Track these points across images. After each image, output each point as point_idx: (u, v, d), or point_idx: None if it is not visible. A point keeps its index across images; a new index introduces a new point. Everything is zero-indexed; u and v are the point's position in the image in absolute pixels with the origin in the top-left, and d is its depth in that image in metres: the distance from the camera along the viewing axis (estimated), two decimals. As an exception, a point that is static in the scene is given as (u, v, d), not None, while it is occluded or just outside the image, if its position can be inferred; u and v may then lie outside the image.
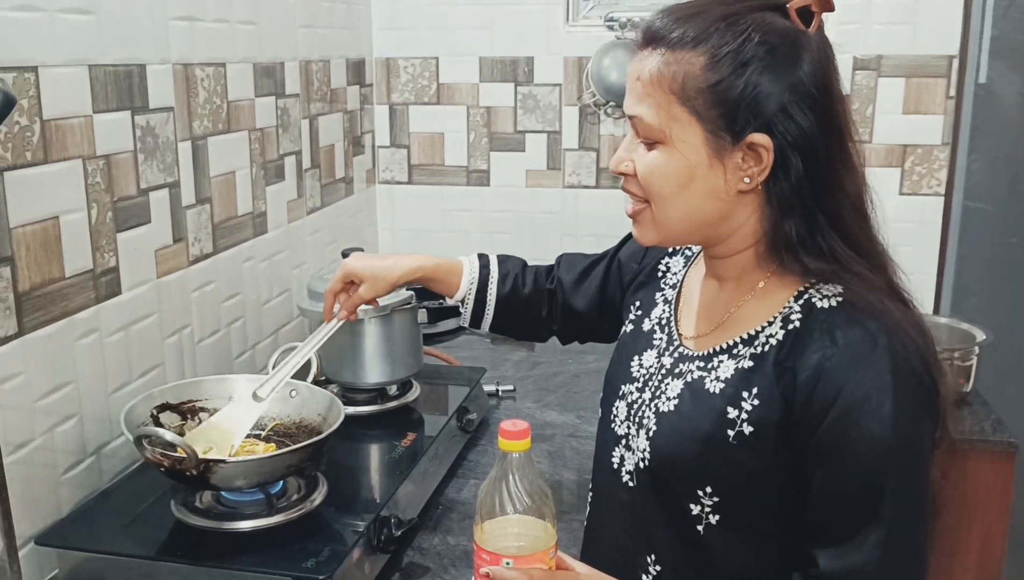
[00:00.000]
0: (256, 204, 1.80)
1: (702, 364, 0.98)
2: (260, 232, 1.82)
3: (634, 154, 0.95)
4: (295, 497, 1.26)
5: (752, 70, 0.87)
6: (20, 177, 1.17)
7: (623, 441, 1.05)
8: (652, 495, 1.00)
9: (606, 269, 1.28)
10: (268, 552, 1.15)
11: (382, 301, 1.57)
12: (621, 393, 1.08)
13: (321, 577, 1.09)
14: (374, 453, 1.53)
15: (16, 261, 1.17)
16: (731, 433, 0.92)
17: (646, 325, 1.10)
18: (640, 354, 1.08)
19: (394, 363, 1.62)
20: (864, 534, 0.86)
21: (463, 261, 1.32)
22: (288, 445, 1.28)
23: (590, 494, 1.15)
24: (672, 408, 0.98)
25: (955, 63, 2.19)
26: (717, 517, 0.94)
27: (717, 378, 0.95)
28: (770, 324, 0.94)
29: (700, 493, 0.94)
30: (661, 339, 1.06)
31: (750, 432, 0.91)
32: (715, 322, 1.00)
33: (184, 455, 1.12)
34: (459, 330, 2.28)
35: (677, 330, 1.05)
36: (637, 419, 1.03)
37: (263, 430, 1.36)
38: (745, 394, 0.92)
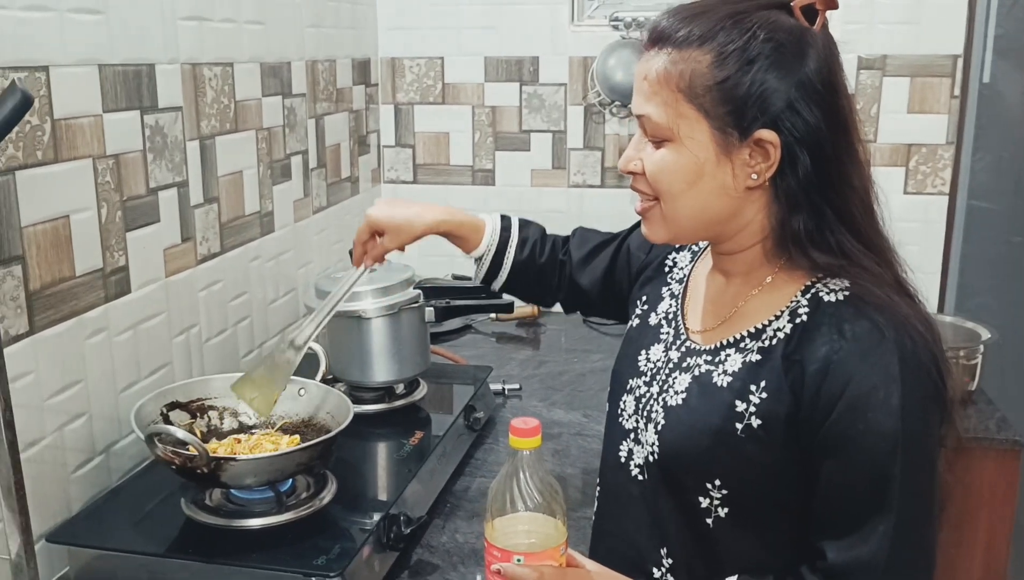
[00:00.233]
0: (263, 203, 1.81)
1: (709, 358, 0.99)
2: (267, 231, 1.83)
3: (642, 153, 0.96)
4: (304, 495, 1.27)
5: (759, 67, 0.88)
6: (31, 176, 1.18)
7: (631, 435, 1.06)
8: (662, 488, 1.00)
9: (615, 252, 1.29)
10: (279, 549, 1.16)
11: (390, 301, 1.59)
12: (629, 387, 1.08)
13: (332, 574, 1.09)
14: (382, 451, 1.53)
15: (27, 260, 1.18)
16: (739, 426, 0.93)
17: (652, 319, 1.11)
18: (647, 348, 1.08)
19: (402, 362, 1.62)
20: (872, 525, 0.87)
21: (486, 220, 1.31)
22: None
23: (597, 489, 1.15)
24: (680, 402, 0.99)
25: (959, 62, 2.20)
26: (726, 510, 0.95)
27: (725, 372, 0.96)
28: (777, 318, 0.94)
29: (709, 486, 0.95)
30: (668, 333, 1.07)
31: (758, 425, 0.92)
32: (722, 316, 1.01)
33: (195, 453, 1.12)
34: (464, 329, 2.29)
35: (684, 324, 1.06)
36: (645, 413, 1.04)
37: (272, 427, 1.37)
38: (753, 387, 0.93)
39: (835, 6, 0.92)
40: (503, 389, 1.86)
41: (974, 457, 1.79)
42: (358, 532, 1.20)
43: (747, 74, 0.88)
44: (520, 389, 1.89)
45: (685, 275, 1.12)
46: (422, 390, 1.68)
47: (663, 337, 1.07)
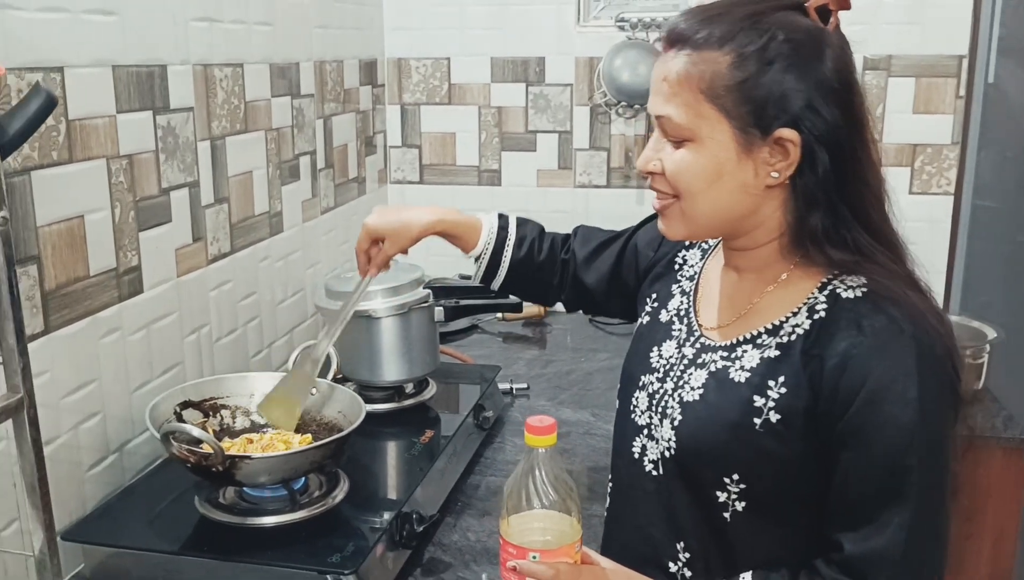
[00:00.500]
0: (272, 204, 1.81)
1: (725, 354, 1.00)
2: (276, 231, 1.84)
3: (662, 153, 0.97)
4: (317, 493, 1.28)
5: (778, 67, 0.89)
6: (46, 176, 1.19)
7: (644, 431, 1.07)
8: (679, 483, 1.01)
9: (621, 250, 1.29)
10: (293, 547, 1.17)
11: (400, 300, 1.60)
12: (641, 383, 1.09)
13: (347, 572, 1.10)
14: (392, 450, 1.54)
15: (42, 260, 1.19)
16: (757, 421, 0.93)
17: (663, 316, 1.12)
18: (659, 345, 1.09)
19: (411, 361, 1.63)
20: (888, 517, 0.88)
21: (483, 219, 1.32)
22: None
23: (609, 485, 1.16)
24: (697, 398, 1.00)
25: (964, 63, 2.21)
26: (743, 504, 0.96)
27: (742, 367, 0.97)
28: (795, 314, 0.95)
29: (727, 480, 0.96)
30: (680, 330, 1.08)
31: (777, 419, 0.93)
32: (737, 313, 1.02)
33: (211, 451, 1.13)
34: (471, 329, 2.29)
35: (697, 321, 1.07)
36: (660, 409, 1.04)
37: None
38: (771, 382, 0.94)
39: (847, 6, 0.94)
40: (511, 388, 1.87)
41: (981, 455, 1.79)
42: (371, 530, 1.21)
43: (767, 74, 0.89)
44: (528, 388, 1.89)
45: (696, 272, 1.13)
46: (431, 389, 1.69)
47: (675, 333, 1.08)
